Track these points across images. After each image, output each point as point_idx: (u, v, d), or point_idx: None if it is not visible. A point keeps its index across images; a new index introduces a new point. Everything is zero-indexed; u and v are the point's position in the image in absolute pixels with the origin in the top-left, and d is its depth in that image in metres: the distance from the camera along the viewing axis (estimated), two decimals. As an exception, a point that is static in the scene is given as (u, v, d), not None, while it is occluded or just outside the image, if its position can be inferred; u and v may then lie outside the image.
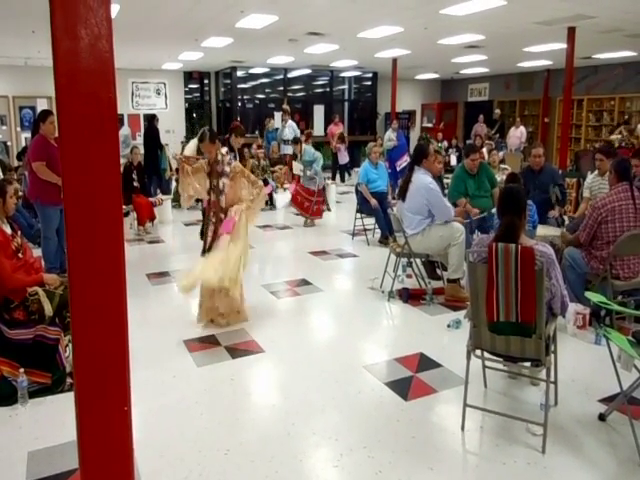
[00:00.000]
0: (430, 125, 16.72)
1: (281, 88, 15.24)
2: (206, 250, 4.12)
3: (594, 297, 3.12)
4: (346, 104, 16.77)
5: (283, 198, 9.25)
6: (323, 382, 3.26)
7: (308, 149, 8.48)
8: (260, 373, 3.48)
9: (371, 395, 3.11)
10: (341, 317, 4.47)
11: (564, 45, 8.88)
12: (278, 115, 13.10)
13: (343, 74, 16.16)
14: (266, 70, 14.75)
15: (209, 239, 4.12)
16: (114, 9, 6.83)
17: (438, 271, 5.26)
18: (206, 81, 15.70)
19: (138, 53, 11.28)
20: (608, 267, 3.87)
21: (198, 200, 5.46)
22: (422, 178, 4.63)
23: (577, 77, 11.49)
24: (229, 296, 3.93)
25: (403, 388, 3.16)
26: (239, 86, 14.78)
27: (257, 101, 15.93)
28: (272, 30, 8.58)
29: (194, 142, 4.25)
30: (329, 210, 8.49)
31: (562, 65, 9.13)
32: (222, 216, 4.06)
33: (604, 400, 3.00)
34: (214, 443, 2.64)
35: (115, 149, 1.47)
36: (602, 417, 2.84)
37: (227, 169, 4.06)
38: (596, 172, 5.30)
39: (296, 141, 8.84)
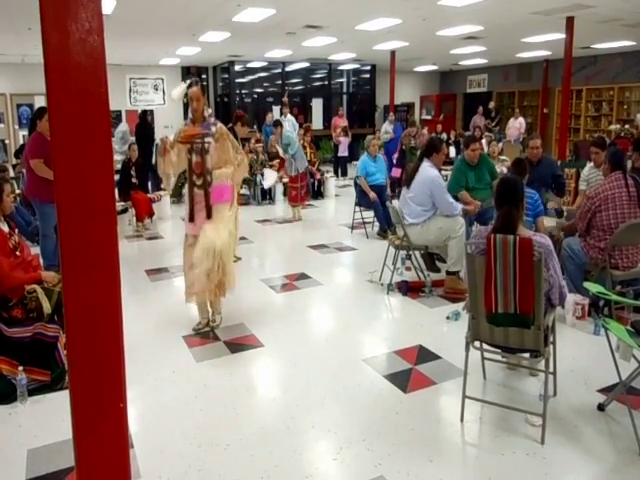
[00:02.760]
0: (429, 117, 16.66)
1: (279, 82, 15.19)
2: (193, 217, 3.78)
3: (593, 287, 3.12)
4: (345, 97, 16.72)
5: (270, 175, 9.17)
6: (322, 375, 3.27)
7: (286, 132, 8.08)
8: (259, 368, 3.49)
9: (370, 388, 3.11)
10: (340, 310, 4.47)
11: (563, 35, 8.83)
12: (277, 109, 13.06)
13: (341, 67, 16.10)
14: (264, 64, 14.70)
15: (197, 205, 3.76)
16: (110, 5, 6.79)
17: (438, 263, 5.26)
18: (204, 76, 15.65)
19: (135, 49, 11.24)
20: (607, 257, 3.88)
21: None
22: (429, 170, 4.62)
23: (576, 67, 11.44)
24: (220, 270, 3.65)
25: (402, 380, 3.16)
26: (237, 80, 14.73)
27: (255, 95, 15.87)
28: (269, 23, 8.54)
29: (182, 87, 3.97)
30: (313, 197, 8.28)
31: (561, 55, 9.09)
32: (209, 178, 3.74)
33: (603, 390, 3.00)
34: (213, 438, 2.64)
35: (107, 145, 1.45)
36: (601, 407, 2.85)
37: (213, 129, 3.82)
38: (592, 164, 5.29)
39: (276, 124, 8.46)
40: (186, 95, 3.96)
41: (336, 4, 7.45)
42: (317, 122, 15.01)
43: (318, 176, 9.65)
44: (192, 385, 3.20)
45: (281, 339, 3.81)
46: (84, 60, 1.39)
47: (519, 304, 2.63)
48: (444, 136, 11.25)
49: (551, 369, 2.87)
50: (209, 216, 3.74)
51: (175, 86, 4.17)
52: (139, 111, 11.32)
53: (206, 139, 3.79)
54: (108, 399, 1.49)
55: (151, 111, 14.08)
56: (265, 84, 15.90)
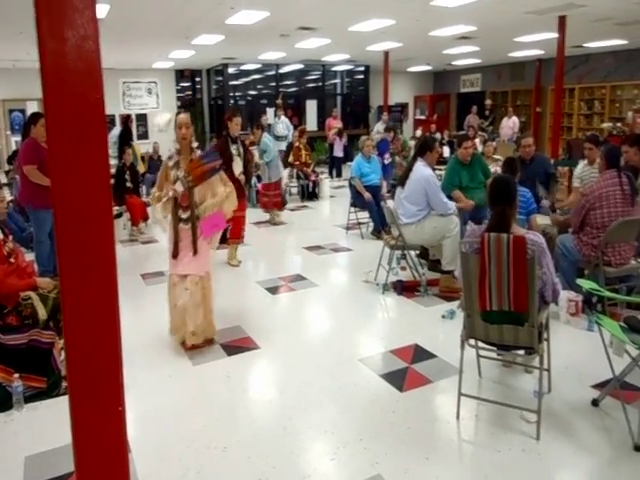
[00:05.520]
0: (423, 117, 16.72)
1: (273, 84, 15.21)
2: (177, 254, 3.58)
3: (586, 284, 3.15)
4: (339, 98, 16.76)
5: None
6: (319, 376, 3.29)
7: (264, 139, 7.71)
8: (256, 370, 3.50)
9: (367, 387, 3.13)
10: (336, 311, 4.49)
11: (555, 34, 8.88)
12: (270, 111, 13.07)
13: (335, 68, 16.14)
14: (258, 66, 14.72)
15: (182, 242, 3.53)
16: (104, 9, 6.79)
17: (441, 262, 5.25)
18: (198, 79, 15.65)
19: (129, 53, 11.23)
20: (600, 254, 3.91)
21: None
22: (422, 169, 4.65)
23: (568, 66, 11.49)
24: (201, 316, 3.59)
25: (398, 379, 3.19)
26: (231, 83, 14.75)
27: (249, 98, 15.90)
28: (263, 26, 8.56)
29: (167, 116, 3.69)
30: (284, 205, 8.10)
31: (553, 54, 9.14)
32: (197, 212, 3.50)
33: (597, 386, 3.03)
34: (211, 441, 2.66)
35: (104, 150, 1.47)
36: (595, 402, 2.88)
37: (217, 156, 3.64)
38: (585, 161, 5.34)
39: (258, 126, 8.06)
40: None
41: (329, 6, 7.48)
42: (311, 123, 15.03)
43: (313, 177, 9.68)
44: (189, 388, 3.21)
45: (277, 341, 3.83)
46: (80, 66, 1.40)
47: (513, 302, 2.66)
48: (438, 136, 11.30)
49: (545, 366, 2.90)
50: (196, 252, 3.52)
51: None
52: (134, 115, 11.33)
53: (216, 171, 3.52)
54: (107, 402, 1.50)
55: (144, 115, 14.12)
56: (259, 86, 15.93)
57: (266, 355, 3.62)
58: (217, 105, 15.20)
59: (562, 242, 4.28)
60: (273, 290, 4.92)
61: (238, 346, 3.72)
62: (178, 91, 15.08)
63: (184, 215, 3.52)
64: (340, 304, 4.62)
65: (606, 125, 9.66)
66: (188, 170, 3.49)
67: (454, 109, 17.39)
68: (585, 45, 11.79)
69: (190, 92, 15.83)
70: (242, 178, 5.52)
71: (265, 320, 4.22)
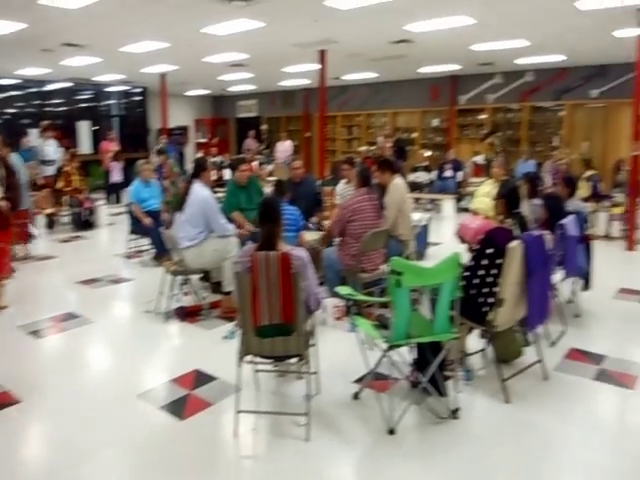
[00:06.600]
0: (204, 140, 16.87)
1: (37, 102, 13.72)
2: None
3: (342, 290, 3.54)
4: (115, 120, 15.89)
5: None
6: (94, 421, 3.04)
7: (14, 160, 6.49)
8: (16, 428, 3.05)
9: (146, 423, 3.01)
10: (114, 347, 4.23)
11: (318, 66, 9.86)
12: (34, 132, 11.74)
13: (110, 88, 15.31)
14: (17, 82, 13.13)
15: None
16: None
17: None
18: None
19: None
20: (357, 262, 4.44)
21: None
22: (201, 191, 4.66)
23: (330, 95, 12.81)
24: None
25: (178, 408, 3.13)
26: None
27: (8, 116, 14.04)
28: (21, 38, 7.70)
29: None
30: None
31: (317, 84, 10.13)
32: None
33: (357, 381, 3.40)
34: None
35: None
36: (356, 396, 3.23)
37: None
38: (345, 180, 6.03)
39: (4, 144, 6.43)
40: None
41: (98, 24, 7.10)
42: (85, 146, 13.95)
43: (88, 204, 8.97)
44: None
45: (45, 390, 3.42)
46: None
47: (282, 314, 2.84)
48: (219, 159, 11.52)
49: (314, 369, 3.17)
50: None
51: None
52: None
53: None
54: None
55: None
56: (19, 104, 14.19)
57: (30, 409, 3.20)
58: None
59: (327, 254, 4.75)
60: (39, 333, 4.39)
61: (-9, 404, 3.23)
62: None
63: None
64: (119, 339, 4.36)
65: (363, 148, 11.06)
66: None
67: (234, 133, 17.96)
68: (343, 77, 13.33)
69: None
70: (4, 204, 4.89)
71: (29, 368, 3.74)
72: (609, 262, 6.10)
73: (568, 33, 8.22)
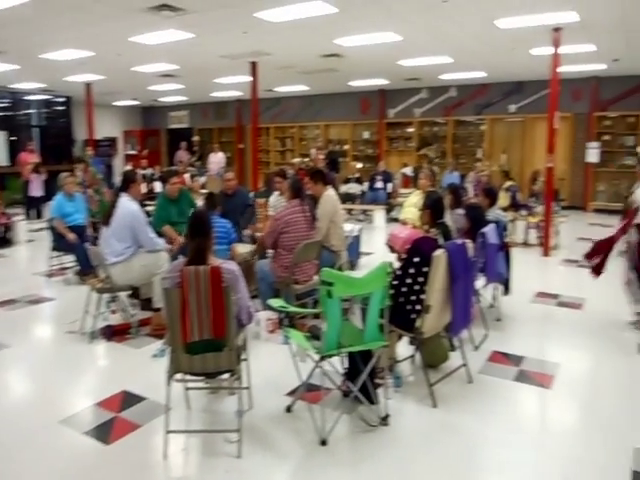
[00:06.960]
0: (134, 152, 16.36)
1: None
2: None
3: (274, 303, 3.54)
4: (36, 130, 15.10)
5: None
6: (13, 452, 2.84)
7: None
8: None
9: (69, 450, 2.85)
10: (35, 372, 3.98)
11: (249, 78, 9.85)
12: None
13: (30, 97, 14.54)
14: None
15: None
16: None
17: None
18: None
19: None
20: (290, 274, 4.45)
21: None
22: (128, 204, 4.50)
23: (263, 107, 12.88)
24: None
25: (104, 432, 3.00)
26: None
27: None
28: None
29: None
30: None
31: (250, 96, 10.11)
32: None
33: (290, 393, 3.40)
34: None
35: None
36: (289, 409, 3.23)
37: None
38: (277, 192, 6.05)
39: None
40: None
41: (13, 29, 6.74)
42: (1, 158, 13.15)
43: (4, 220, 8.44)
44: None
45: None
46: None
47: (213, 329, 2.80)
48: (149, 171, 11.22)
49: (246, 384, 3.14)
50: None
51: None
52: None
53: None
54: None
55: None
56: None
57: None
58: None
59: (260, 267, 4.72)
60: (-54, 362, 4.07)
61: None
62: None
63: None
64: (40, 363, 4.11)
65: (296, 160, 11.14)
66: None
67: (165, 144, 17.57)
68: (275, 89, 13.41)
69: None
70: None
71: None
72: (527, 268, 6.48)
73: (488, 50, 8.72)
